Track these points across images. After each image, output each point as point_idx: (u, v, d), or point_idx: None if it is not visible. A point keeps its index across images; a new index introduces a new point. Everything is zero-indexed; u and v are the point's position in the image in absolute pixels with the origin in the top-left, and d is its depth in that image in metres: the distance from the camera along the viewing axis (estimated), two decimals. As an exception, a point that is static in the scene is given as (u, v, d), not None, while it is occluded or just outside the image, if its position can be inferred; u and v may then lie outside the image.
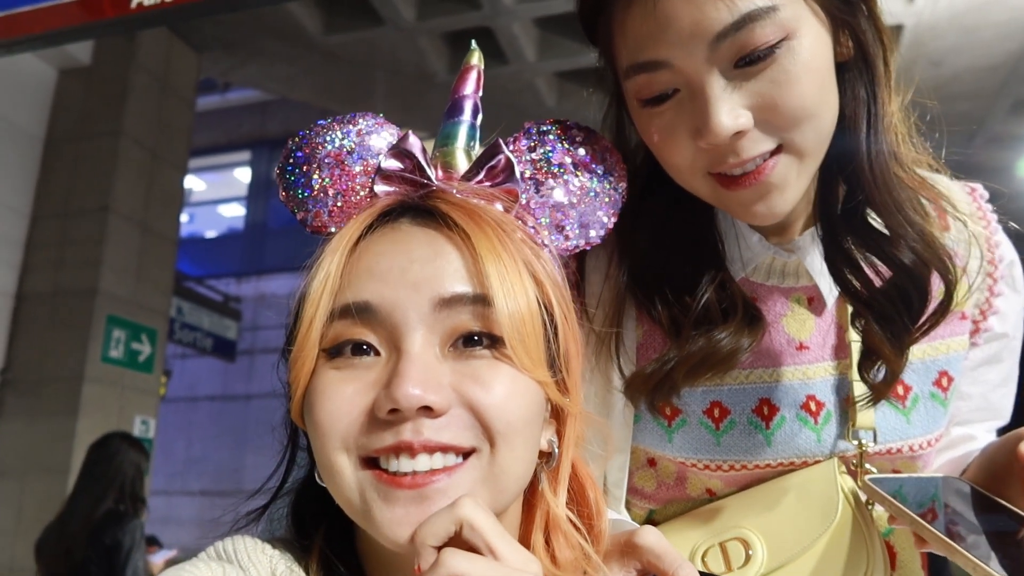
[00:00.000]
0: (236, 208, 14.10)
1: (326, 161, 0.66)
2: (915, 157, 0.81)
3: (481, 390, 0.56)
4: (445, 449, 0.55)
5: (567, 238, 0.68)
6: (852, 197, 0.76)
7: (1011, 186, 0.94)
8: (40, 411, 5.46)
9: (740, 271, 0.85)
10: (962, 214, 0.84)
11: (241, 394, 11.03)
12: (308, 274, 0.60)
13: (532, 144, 0.69)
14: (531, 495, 0.64)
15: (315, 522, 0.64)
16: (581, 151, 0.70)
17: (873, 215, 0.77)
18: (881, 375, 0.80)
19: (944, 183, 0.87)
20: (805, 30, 0.68)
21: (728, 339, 0.79)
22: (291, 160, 0.68)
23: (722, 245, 0.84)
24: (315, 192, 0.66)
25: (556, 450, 0.64)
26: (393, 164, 0.64)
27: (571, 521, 0.64)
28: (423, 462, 0.55)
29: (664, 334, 0.83)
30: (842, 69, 0.74)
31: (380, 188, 0.64)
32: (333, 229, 0.64)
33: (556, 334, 0.62)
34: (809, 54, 0.68)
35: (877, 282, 0.77)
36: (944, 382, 0.85)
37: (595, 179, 0.69)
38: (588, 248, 0.70)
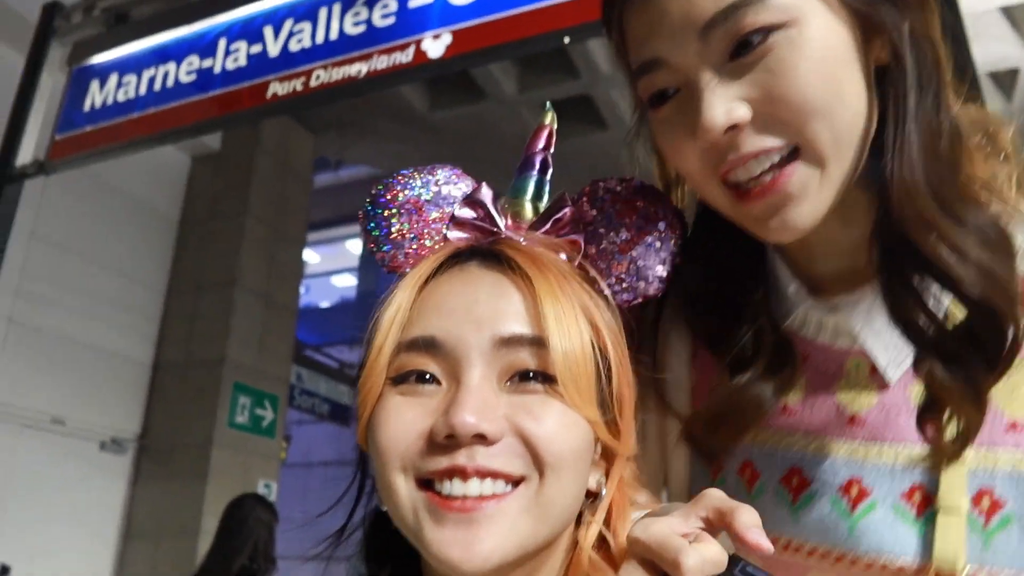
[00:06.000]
0: (348, 279, 14.71)
1: (405, 207, 0.71)
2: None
3: (533, 421, 0.59)
4: (495, 475, 0.58)
5: (625, 289, 0.70)
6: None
7: None
8: (173, 476, 5.77)
9: (785, 320, 0.76)
10: None
11: (355, 459, 11.23)
12: (383, 305, 0.64)
13: (597, 199, 0.72)
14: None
15: (384, 559, 0.68)
16: (642, 207, 0.71)
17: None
18: (951, 431, 0.66)
19: None
20: (810, 19, 0.62)
21: (750, 386, 0.72)
22: (374, 205, 0.73)
23: (767, 289, 0.77)
24: (393, 235, 0.70)
25: (604, 490, 0.65)
26: (466, 212, 0.68)
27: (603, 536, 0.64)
28: (474, 487, 0.57)
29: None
30: (883, 76, 0.66)
31: (453, 234, 0.68)
32: (408, 270, 0.68)
33: (609, 377, 0.64)
34: (814, 45, 0.62)
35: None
36: None
37: (653, 233, 0.71)
38: (646, 299, 0.71)
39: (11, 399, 5.16)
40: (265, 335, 6.33)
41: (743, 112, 0.63)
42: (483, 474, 0.57)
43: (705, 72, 0.64)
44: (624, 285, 0.70)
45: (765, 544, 0.54)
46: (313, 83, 2.62)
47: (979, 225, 0.65)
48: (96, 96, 2.93)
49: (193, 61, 2.81)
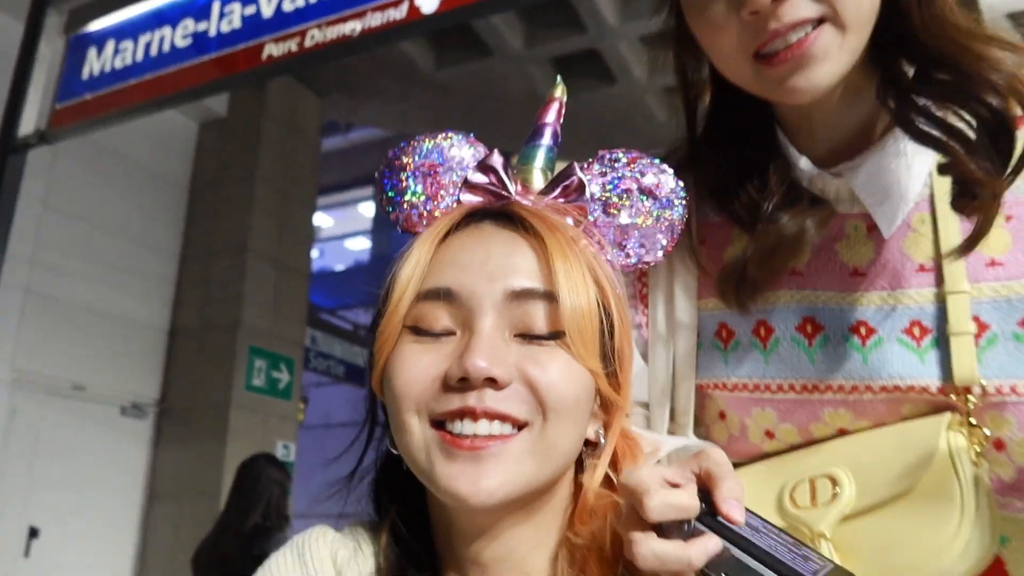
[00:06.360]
0: (362, 242, 14.76)
1: (420, 170, 0.74)
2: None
3: (539, 369, 0.64)
4: (503, 418, 0.62)
5: (628, 256, 0.74)
6: (921, 63, 0.79)
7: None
8: (193, 438, 5.90)
9: None
10: None
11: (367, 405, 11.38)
12: (399, 261, 0.69)
13: (604, 169, 0.75)
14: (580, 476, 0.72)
15: (393, 499, 0.73)
16: (647, 180, 0.75)
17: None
18: (974, 222, 0.77)
19: None
20: None
21: (792, 222, 0.83)
22: (390, 167, 0.76)
23: (788, 158, 0.88)
24: (407, 196, 0.74)
25: (603, 440, 0.71)
26: (478, 177, 0.72)
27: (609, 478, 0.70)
28: (483, 427, 0.62)
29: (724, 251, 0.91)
30: None
31: (465, 197, 0.72)
32: (421, 230, 0.72)
33: (612, 334, 0.69)
34: None
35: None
36: None
37: (657, 206, 0.74)
38: (646, 266, 0.76)
39: (32, 367, 5.27)
40: (279, 299, 6.39)
41: None
42: (491, 416, 0.62)
43: None
44: (627, 251, 0.74)
45: (737, 516, 0.60)
46: (308, 43, 2.60)
47: (988, 52, 0.76)
48: (94, 63, 2.94)
49: (188, 25, 2.79)
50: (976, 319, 0.79)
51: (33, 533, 5.18)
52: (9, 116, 2.92)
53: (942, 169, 0.79)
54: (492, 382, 0.61)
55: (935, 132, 0.77)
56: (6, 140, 2.88)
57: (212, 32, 2.75)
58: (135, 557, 5.86)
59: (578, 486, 0.71)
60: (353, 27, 2.49)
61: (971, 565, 0.74)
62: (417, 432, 0.64)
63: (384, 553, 0.71)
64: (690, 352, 0.92)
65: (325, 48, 2.56)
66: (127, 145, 5.78)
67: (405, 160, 0.75)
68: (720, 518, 0.61)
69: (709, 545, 0.60)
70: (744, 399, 0.89)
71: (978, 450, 0.77)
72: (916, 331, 0.81)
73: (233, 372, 5.92)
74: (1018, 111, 0.76)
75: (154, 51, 2.85)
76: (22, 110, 2.95)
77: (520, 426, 0.63)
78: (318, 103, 6.97)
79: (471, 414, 0.62)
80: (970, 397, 0.77)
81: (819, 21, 0.74)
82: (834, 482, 0.80)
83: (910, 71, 0.80)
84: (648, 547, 0.59)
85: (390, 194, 0.75)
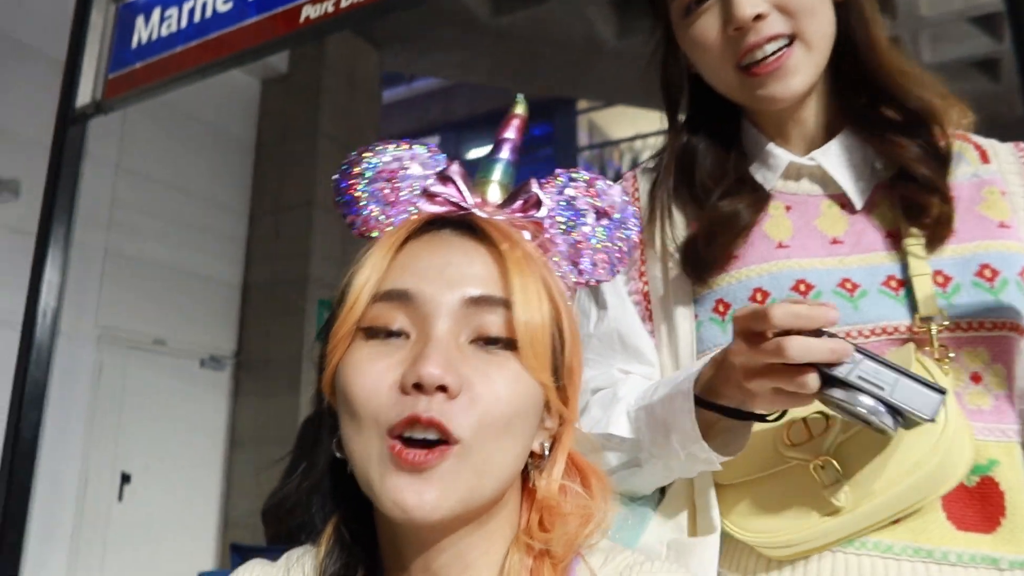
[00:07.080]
0: (431, 190, 14.84)
1: (381, 175, 0.75)
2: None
3: (487, 383, 0.64)
4: (446, 431, 0.62)
5: (580, 273, 0.75)
6: (871, 97, 0.99)
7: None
8: (269, 388, 6.13)
9: (773, 180, 1.02)
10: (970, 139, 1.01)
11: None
12: (356, 264, 0.69)
13: (561, 188, 0.76)
14: (530, 490, 0.72)
15: (336, 506, 0.73)
16: (603, 201, 0.76)
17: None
18: (934, 220, 0.94)
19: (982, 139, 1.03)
20: None
21: (728, 204, 0.99)
22: (347, 172, 0.76)
23: (746, 154, 1.05)
24: (363, 201, 0.74)
25: (547, 452, 0.71)
26: (438, 187, 0.73)
27: (567, 488, 0.71)
28: (430, 435, 0.61)
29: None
30: (843, 9, 0.98)
31: (424, 206, 0.73)
32: (375, 234, 0.72)
33: (563, 349, 0.70)
34: None
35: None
36: (987, 273, 0.93)
37: (612, 227, 0.76)
38: (596, 284, 0.78)
39: (116, 323, 5.55)
40: (345, 252, 6.45)
41: (765, 7, 0.92)
42: (435, 425, 0.61)
43: None
44: (580, 268, 0.75)
45: (832, 313, 0.75)
46: (344, 3, 2.58)
47: (919, 91, 0.98)
48: (142, 32, 2.99)
49: (228, -11, 2.81)
50: (940, 272, 0.93)
51: (125, 479, 5.53)
52: (66, 88, 3.02)
53: (896, 180, 0.96)
54: (444, 390, 0.61)
55: (891, 149, 0.96)
56: (65, 112, 2.98)
57: (251, -4, 2.76)
58: (220, 498, 6.19)
59: (531, 492, 0.71)
60: (386, -15, 2.46)
61: (963, 459, 0.84)
62: (368, 442, 0.64)
63: (322, 567, 0.71)
64: (689, 332, 1.01)
65: (361, 8, 2.53)
66: (194, 105, 5.92)
67: (364, 165, 0.75)
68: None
69: (843, 343, 0.76)
70: None
71: (944, 366, 0.89)
72: (893, 283, 0.94)
73: (304, 324, 6.10)
74: (948, 128, 0.96)
75: (197, 17, 2.88)
76: (79, 81, 3.04)
77: (461, 440, 0.63)
78: (377, 55, 6.96)
79: (419, 421, 0.61)
80: (932, 327, 0.89)
81: (790, 40, 0.93)
82: (826, 416, 0.88)
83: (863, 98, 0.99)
84: (799, 342, 0.75)
85: (347, 198, 0.75)
